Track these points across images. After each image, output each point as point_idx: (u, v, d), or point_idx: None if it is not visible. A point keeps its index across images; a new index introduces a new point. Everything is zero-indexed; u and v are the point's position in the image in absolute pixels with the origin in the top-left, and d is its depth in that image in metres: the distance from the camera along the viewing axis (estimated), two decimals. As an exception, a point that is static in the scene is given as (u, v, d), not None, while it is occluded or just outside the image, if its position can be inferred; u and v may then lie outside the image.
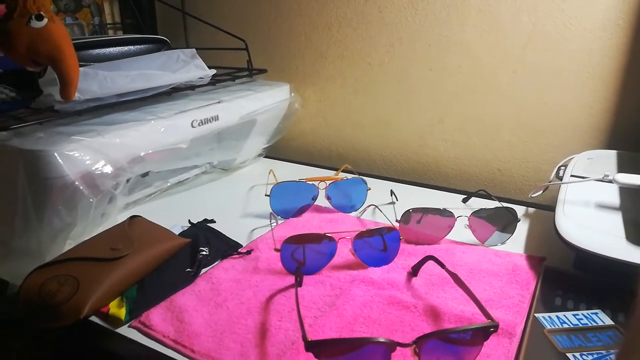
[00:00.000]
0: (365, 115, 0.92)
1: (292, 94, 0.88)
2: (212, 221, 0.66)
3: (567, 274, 0.53)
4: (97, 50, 0.74)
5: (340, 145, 0.97)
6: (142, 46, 0.80)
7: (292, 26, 0.94)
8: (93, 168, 0.56)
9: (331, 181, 0.69)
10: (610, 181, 0.57)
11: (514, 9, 0.74)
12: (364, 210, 0.70)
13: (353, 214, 0.70)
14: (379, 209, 0.71)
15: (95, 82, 0.63)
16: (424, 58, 0.83)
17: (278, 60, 0.97)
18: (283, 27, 0.95)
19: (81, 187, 0.56)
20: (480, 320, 0.44)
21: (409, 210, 0.60)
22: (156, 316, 0.47)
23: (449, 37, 0.80)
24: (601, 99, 0.72)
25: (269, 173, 0.82)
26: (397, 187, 0.79)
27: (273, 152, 0.94)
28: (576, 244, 0.50)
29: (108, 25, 1.02)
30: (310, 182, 0.69)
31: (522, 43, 0.75)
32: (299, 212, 0.69)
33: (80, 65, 0.60)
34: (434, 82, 0.83)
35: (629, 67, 0.69)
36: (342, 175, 0.81)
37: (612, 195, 0.58)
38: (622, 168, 0.63)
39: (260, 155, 0.92)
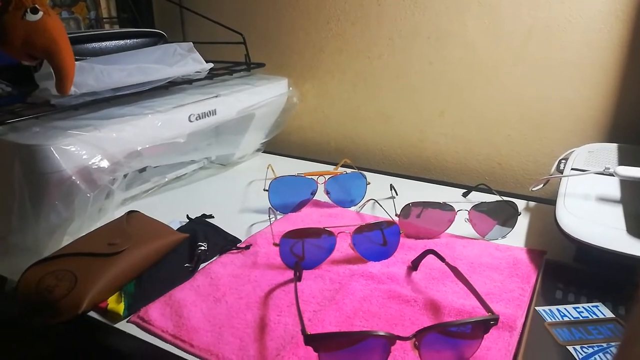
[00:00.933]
0: (365, 110, 0.91)
1: (291, 88, 0.87)
2: (211, 216, 0.66)
3: (568, 267, 0.53)
4: (94, 44, 0.74)
5: (339, 139, 0.96)
6: (139, 40, 0.79)
7: (290, 20, 0.93)
8: (90, 163, 0.56)
9: (330, 176, 0.69)
10: (611, 174, 0.56)
11: (515, 1, 0.73)
12: (364, 204, 0.70)
13: (352, 208, 0.69)
14: (378, 203, 0.70)
15: (91, 76, 0.63)
16: (424, 51, 0.82)
17: (276, 54, 0.96)
18: (281, 21, 0.94)
19: (78, 182, 0.55)
20: (481, 314, 0.44)
21: (409, 204, 0.60)
22: (155, 311, 0.47)
23: (448, 30, 0.79)
24: (601, 92, 0.72)
25: (268, 168, 0.81)
26: (397, 181, 0.78)
27: (271, 147, 0.93)
28: (577, 237, 0.49)
29: (104, 20, 1.01)
30: (309, 177, 0.68)
31: (522, 36, 0.74)
32: (298, 207, 0.68)
33: (77, 60, 0.60)
34: (434, 76, 0.83)
35: (629, 60, 0.69)
36: (341, 169, 0.80)
37: (613, 188, 0.57)
38: (622, 161, 0.63)
39: (258, 150, 0.91)
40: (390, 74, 0.86)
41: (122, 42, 0.77)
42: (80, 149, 0.55)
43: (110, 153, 0.58)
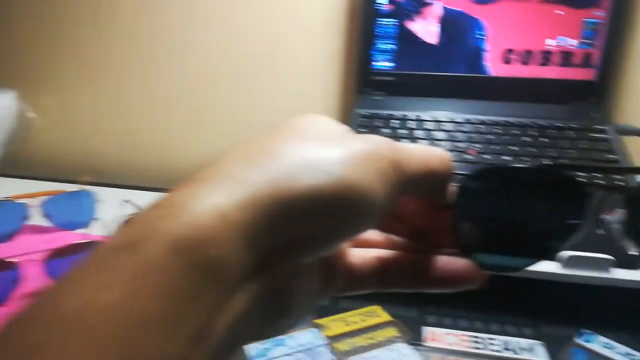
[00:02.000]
0: (110, 123, 0.86)
1: (21, 102, 0.78)
2: None
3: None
4: None
5: (84, 155, 0.88)
6: None
7: (23, 29, 0.83)
8: None
9: (49, 196, 0.63)
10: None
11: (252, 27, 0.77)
12: (96, 224, 0.65)
13: (80, 230, 0.64)
14: (109, 222, 0.66)
15: None
16: (167, 65, 0.81)
17: (11, 66, 0.85)
18: (14, 29, 0.84)
19: None
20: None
21: (130, 218, 0.58)
22: None
23: (188, 44, 0.80)
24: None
25: (-11, 194, 0.71)
26: (142, 194, 0.75)
27: (10, 170, 0.82)
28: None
29: None
30: (22, 200, 0.61)
31: (255, 62, 0.79)
32: (10, 235, 0.61)
33: None
34: (177, 88, 0.83)
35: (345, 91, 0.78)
36: (71, 187, 0.74)
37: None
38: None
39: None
40: (133, 85, 0.83)
41: None
42: None
43: None
